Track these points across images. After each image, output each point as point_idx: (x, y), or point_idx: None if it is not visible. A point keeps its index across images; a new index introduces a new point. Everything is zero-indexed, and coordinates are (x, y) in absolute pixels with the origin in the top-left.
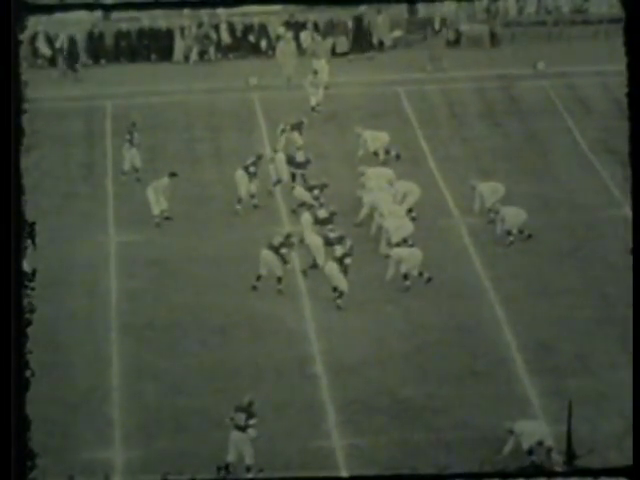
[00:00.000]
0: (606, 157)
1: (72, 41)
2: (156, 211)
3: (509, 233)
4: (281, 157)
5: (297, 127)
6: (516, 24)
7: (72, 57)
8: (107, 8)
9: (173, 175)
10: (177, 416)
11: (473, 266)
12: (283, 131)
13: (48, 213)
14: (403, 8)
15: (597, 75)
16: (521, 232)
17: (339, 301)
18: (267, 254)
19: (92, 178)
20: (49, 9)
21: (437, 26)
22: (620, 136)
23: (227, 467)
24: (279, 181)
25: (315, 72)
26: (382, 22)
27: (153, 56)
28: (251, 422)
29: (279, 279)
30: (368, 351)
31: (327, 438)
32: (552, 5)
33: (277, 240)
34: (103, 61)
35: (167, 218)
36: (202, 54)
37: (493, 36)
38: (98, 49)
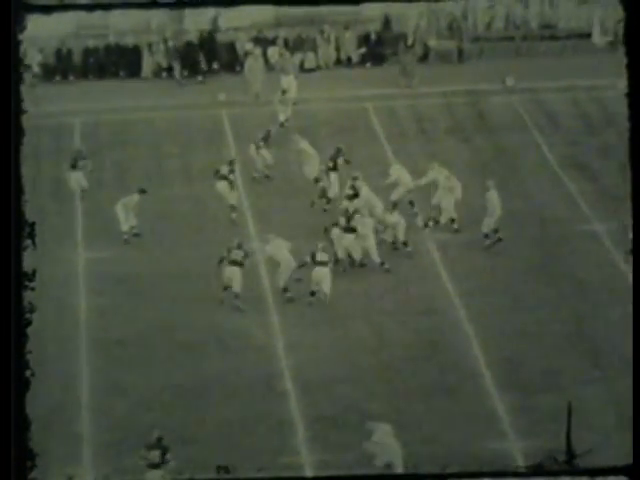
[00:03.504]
0: (574, 172)
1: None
2: (125, 228)
3: (486, 236)
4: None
5: (265, 139)
6: (484, 39)
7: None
8: (107, 8)
9: (142, 192)
10: (147, 433)
11: (441, 282)
12: (258, 147)
13: None
14: (372, 24)
15: (565, 90)
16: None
17: (312, 299)
18: (231, 270)
19: (60, 194)
20: (49, 9)
21: (410, 41)
22: (588, 151)
23: None
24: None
25: (283, 91)
26: (350, 38)
27: (121, 73)
28: (168, 456)
29: (236, 295)
30: (337, 367)
31: (296, 454)
32: (520, 20)
33: (239, 254)
34: (72, 77)
35: (136, 235)
36: (170, 70)
37: (461, 52)
38: (66, 66)
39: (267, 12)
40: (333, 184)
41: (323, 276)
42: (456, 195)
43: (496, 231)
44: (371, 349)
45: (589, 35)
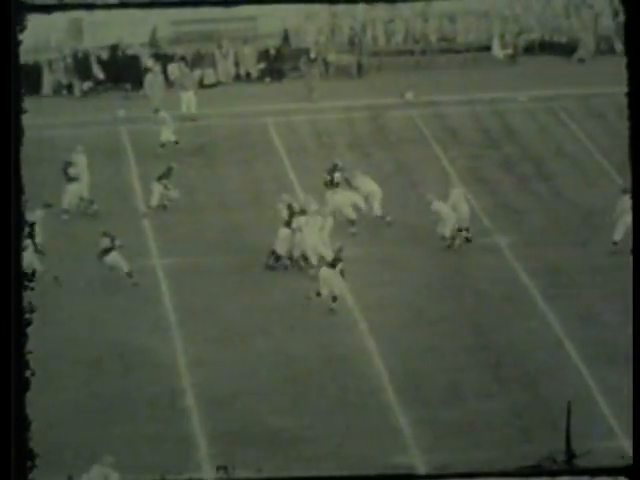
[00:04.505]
0: (476, 186)
1: None
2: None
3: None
4: None
5: (166, 176)
6: (384, 53)
7: None
8: (107, 8)
9: (48, 206)
10: (50, 450)
11: (342, 296)
12: (160, 178)
13: None
14: (271, 39)
15: (465, 104)
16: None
17: (333, 304)
18: None
19: None
20: (49, 9)
21: (313, 55)
22: (489, 165)
23: None
24: None
25: (156, 109)
26: (249, 53)
27: (22, 90)
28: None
29: None
30: (239, 383)
31: (198, 470)
32: (420, 34)
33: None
34: None
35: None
36: (70, 87)
37: (360, 66)
38: None
39: (166, 28)
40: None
41: (331, 277)
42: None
43: (460, 230)
44: (274, 364)
45: (489, 48)
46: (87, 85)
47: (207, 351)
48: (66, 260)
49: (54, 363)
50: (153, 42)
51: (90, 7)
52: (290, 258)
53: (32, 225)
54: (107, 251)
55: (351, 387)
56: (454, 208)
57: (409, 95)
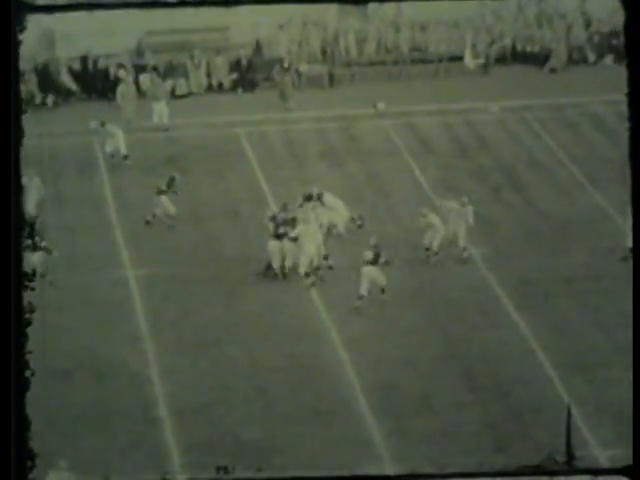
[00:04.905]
0: (447, 196)
1: None
2: None
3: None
4: None
5: (170, 185)
6: (356, 64)
7: None
8: (107, 8)
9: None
10: (18, 461)
11: (315, 308)
12: (161, 192)
13: None
14: (243, 50)
15: (438, 114)
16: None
17: (384, 295)
18: None
19: None
20: (49, 9)
21: (286, 64)
22: (461, 175)
23: None
24: None
25: (102, 122)
26: (221, 63)
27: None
28: None
29: None
30: (211, 392)
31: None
32: (392, 44)
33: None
34: None
35: None
36: (44, 98)
37: (332, 76)
38: None
39: (137, 38)
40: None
41: (374, 272)
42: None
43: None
44: (246, 374)
45: (461, 58)
46: (59, 96)
47: (179, 361)
48: None
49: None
50: (140, 51)
51: (90, 7)
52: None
53: (32, 225)
54: None
55: (323, 397)
56: (445, 221)
57: (381, 105)
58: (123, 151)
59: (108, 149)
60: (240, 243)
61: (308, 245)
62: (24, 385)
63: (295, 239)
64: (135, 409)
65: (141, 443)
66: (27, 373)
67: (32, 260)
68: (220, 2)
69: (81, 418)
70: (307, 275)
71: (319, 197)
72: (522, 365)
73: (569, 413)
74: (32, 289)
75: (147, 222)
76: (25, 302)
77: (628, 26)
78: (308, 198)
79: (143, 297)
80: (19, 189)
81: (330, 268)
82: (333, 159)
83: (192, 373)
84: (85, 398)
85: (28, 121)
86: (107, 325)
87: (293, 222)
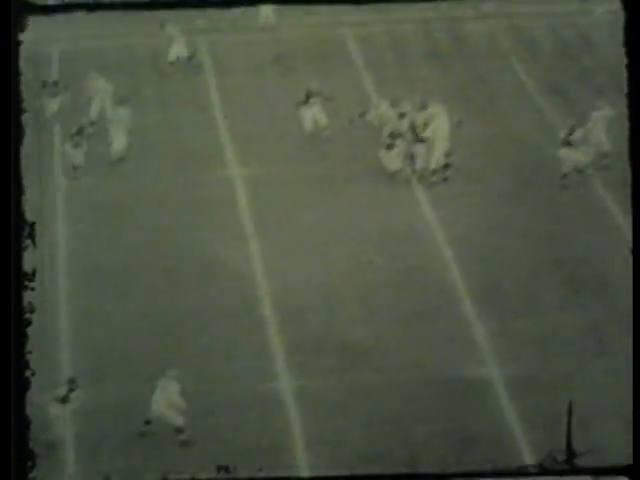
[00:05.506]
0: (552, 98)
1: None
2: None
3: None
4: None
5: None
6: None
7: None
8: (107, 8)
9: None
10: (126, 360)
11: (420, 207)
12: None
13: None
14: None
15: (543, 16)
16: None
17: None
18: None
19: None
20: (49, 9)
21: None
22: (565, 76)
23: None
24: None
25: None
26: None
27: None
28: (73, 394)
29: None
30: (317, 293)
31: (276, 380)
32: None
33: None
34: None
35: (120, 159)
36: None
37: None
38: None
39: None
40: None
41: None
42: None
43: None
44: (351, 275)
45: None
46: None
47: (284, 261)
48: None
49: (129, 274)
50: None
51: (91, 7)
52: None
53: (32, 225)
54: None
55: (428, 298)
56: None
57: (487, 6)
58: (184, 53)
59: (172, 54)
60: (347, 144)
61: (438, 143)
62: (24, 385)
63: (422, 140)
64: (239, 309)
65: (246, 342)
66: (27, 373)
67: None
68: None
69: (185, 318)
70: (434, 173)
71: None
72: (625, 264)
73: (570, 412)
74: (32, 289)
75: (252, 121)
76: (25, 302)
77: (628, 26)
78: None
79: (249, 197)
80: (19, 189)
81: (446, 166)
82: (438, 60)
83: (297, 274)
84: (190, 297)
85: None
86: (212, 225)
87: (421, 126)
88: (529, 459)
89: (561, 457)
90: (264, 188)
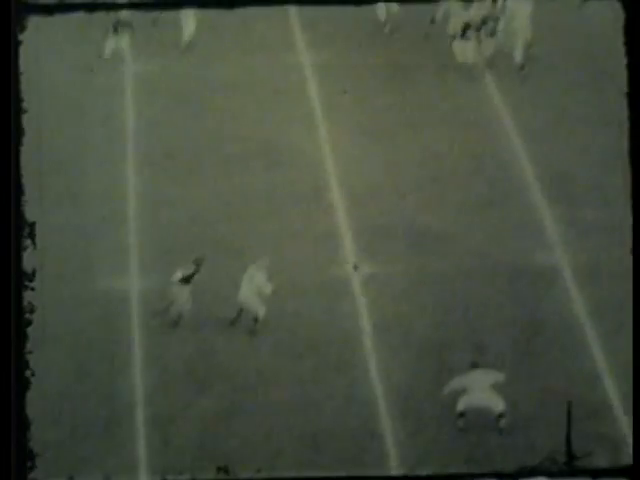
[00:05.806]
0: None
1: None
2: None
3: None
4: None
5: None
6: None
7: None
8: (107, 8)
9: None
10: (194, 245)
11: (489, 96)
12: None
13: None
14: None
15: None
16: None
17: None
18: None
19: None
20: (49, 9)
21: None
22: None
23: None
24: None
25: None
26: None
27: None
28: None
29: None
30: (384, 179)
31: (344, 266)
32: None
33: None
34: None
35: (189, 45)
36: None
37: None
38: None
39: None
40: None
41: None
42: None
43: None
44: (419, 161)
45: None
46: None
47: (353, 146)
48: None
49: (198, 159)
50: None
51: (91, 7)
52: None
53: (32, 225)
54: None
55: (496, 185)
56: None
57: None
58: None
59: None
60: (418, 34)
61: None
62: (24, 385)
63: (495, 32)
64: (308, 194)
65: (314, 227)
66: (27, 373)
67: None
68: None
69: (254, 202)
70: (522, 68)
71: None
72: None
73: (569, 413)
74: (32, 289)
75: (323, 9)
76: (25, 302)
77: (628, 26)
78: None
79: (319, 83)
80: (19, 189)
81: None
82: None
83: (365, 159)
84: (258, 182)
85: None
86: (281, 110)
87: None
88: (594, 344)
89: (561, 458)
90: (333, 74)
